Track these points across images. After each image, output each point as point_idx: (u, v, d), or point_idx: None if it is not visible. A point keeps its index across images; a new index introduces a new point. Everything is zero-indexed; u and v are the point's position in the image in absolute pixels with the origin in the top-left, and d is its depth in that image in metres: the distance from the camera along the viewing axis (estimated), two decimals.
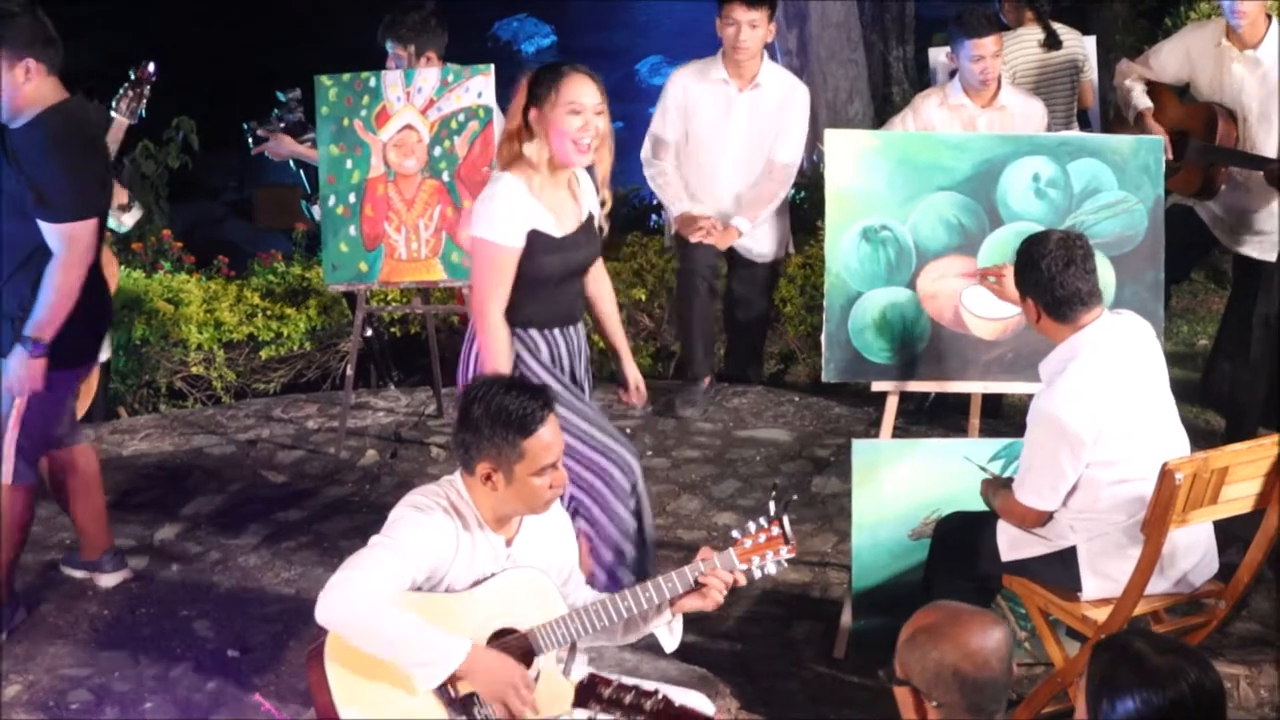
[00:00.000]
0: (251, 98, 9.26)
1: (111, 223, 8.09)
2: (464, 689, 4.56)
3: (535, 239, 5.71)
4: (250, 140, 8.06)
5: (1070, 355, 5.44)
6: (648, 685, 4.25)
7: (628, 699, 4.16)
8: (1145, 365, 5.56)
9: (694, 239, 8.35)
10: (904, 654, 3.83)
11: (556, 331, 5.86)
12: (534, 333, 5.84)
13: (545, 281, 5.78)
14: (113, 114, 7.83)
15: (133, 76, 7.84)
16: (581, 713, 4.74)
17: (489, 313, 5.75)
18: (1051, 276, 5.41)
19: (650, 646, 5.31)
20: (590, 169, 5.89)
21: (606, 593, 4.96)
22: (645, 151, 8.59)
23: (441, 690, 4.53)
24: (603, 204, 5.96)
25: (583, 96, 5.67)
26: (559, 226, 5.77)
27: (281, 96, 8.04)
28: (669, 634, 4.94)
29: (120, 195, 8.01)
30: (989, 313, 6.32)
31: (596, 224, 5.97)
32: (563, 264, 5.82)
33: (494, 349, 5.75)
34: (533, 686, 4.62)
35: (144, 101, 7.85)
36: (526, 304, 5.79)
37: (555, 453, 4.68)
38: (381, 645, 4.48)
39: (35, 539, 7.25)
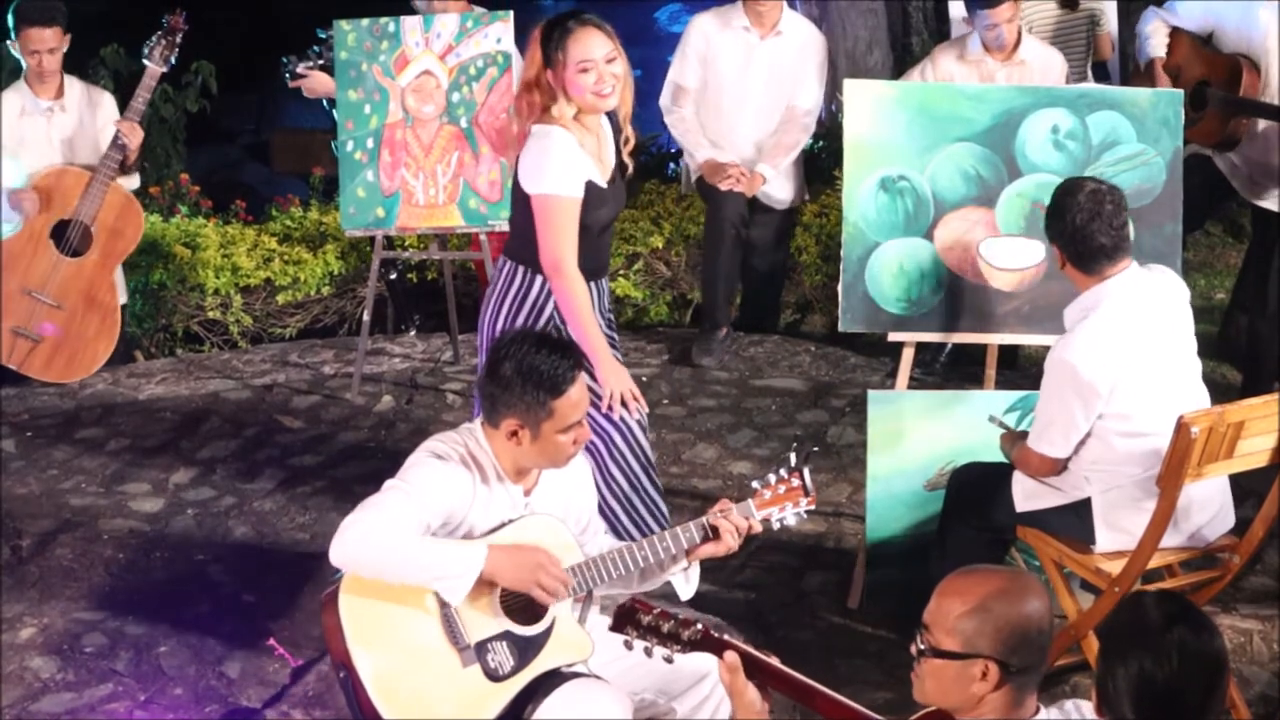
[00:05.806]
0: (269, 41, 9.20)
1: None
2: (481, 628, 4.57)
3: (589, 190, 5.69)
4: (287, 76, 8.04)
5: (1092, 305, 5.43)
6: (687, 615, 4.26)
7: (666, 627, 4.14)
8: (1169, 321, 5.55)
9: (723, 187, 8.32)
10: (970, 623, 3.69)
11: (591, 285, 5.80)
12: None
13: (591, 233, 5.75)
14: (145, 62, 7.89)
15: (165, 25, 7.90)
16: (599, 660, 4.75)
17: (566, 266, 5.66)
18: (1076, 228, 5.41)
19: (664, 595, 5.31)
20: (611, 113, 5.87)
21: (623, 541, 4.97)
22: (665, 99, 8.56)
23: (456, 638, 4.55)
24: (626, 141, 5.93)
25: (591, 52, 5.63)
26: (602, 178, 5.77)
27: (321, 34, 8.01)
28: (685, 582, 4.96)
29: (129, 153, 8.02)
30: (1006, 264, 6.30)
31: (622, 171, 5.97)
32: (608, 215, 5.83)
33: (579, 302, 5.67)
34: (558, 562, 4.64)
35: (176, 50, 7.91)
36: None
37: (582, 410, 4.69)
38: (400, 571, 4.48)
39: (50, 481, 7.28)
